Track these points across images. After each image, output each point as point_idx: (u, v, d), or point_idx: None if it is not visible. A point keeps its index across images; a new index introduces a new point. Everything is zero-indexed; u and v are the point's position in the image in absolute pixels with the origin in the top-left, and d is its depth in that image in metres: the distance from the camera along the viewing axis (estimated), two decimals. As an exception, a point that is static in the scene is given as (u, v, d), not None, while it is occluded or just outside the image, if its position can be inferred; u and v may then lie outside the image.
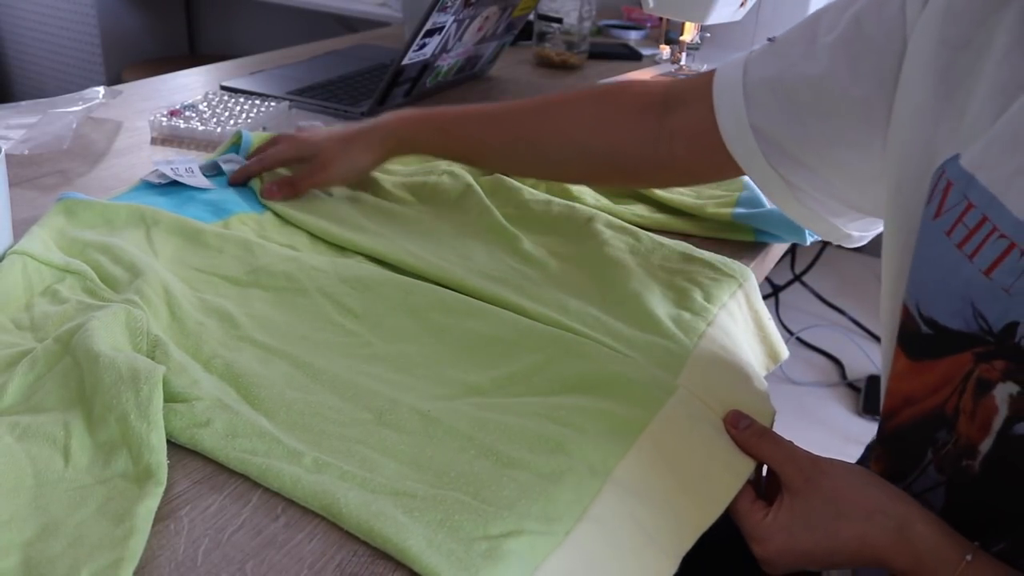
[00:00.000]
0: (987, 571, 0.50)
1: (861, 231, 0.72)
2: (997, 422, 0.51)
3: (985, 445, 0.52)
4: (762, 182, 0.70)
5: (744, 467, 0.57)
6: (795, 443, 0.59)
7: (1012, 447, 0.51)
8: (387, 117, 0.85)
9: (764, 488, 0.59)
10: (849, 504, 0.54)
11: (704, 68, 1.21)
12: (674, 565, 0.50)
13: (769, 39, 0.69)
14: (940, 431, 0.55)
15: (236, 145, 0.93)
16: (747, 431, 0.58)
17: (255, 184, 0.86)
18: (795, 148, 0.67)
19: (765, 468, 0.60)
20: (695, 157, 0.73)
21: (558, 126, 0.78)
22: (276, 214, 0.83)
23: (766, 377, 0.71)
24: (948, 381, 0.54)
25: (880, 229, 0.72)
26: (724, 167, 0.71)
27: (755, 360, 0.70)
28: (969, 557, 0.50)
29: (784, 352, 0.76)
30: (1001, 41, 0.52)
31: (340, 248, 0.77)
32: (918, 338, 0.55)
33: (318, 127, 0.92)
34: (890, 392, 0.58)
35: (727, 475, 0.56)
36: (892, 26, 0.60)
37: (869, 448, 0.66)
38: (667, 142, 0.74)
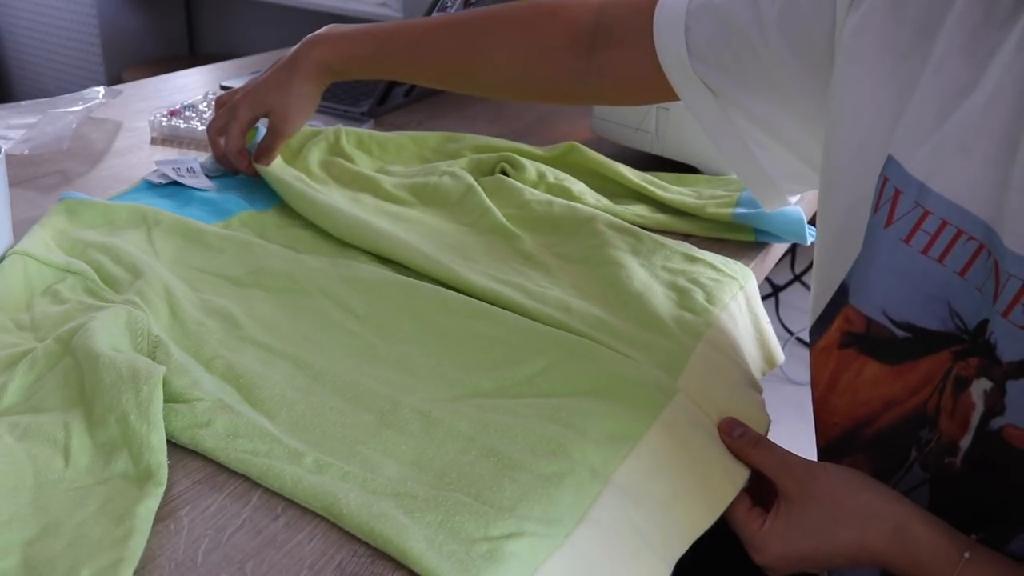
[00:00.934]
0: (986, 566, 0.51)
1: (794, 192, 0.76)
2: (975, 418, 0.52)
3: (965, 441, 0.53)
4: (715, 131, 0.72)
5: (740, 474, 0.57)
6: (794, 445, 0.59)
7: (990, 442, 0.52)
8: (312, 46, 0.83)
9: (760, 495, 0.59)
10: (845, 509, 0.54)
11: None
12: (668, 569, 0.50)
13: None
14: (923, 430, 0.56)
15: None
16: (741, 439, 0.58)
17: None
18: (745, 101, 0.69)
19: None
20: (623, 93, 0.77)
21: (490, 61, 0.79)
22: (279, 213, 0.83)
23: (765, 377, 0.71)
24: (928, 381, 0.55)
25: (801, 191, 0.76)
26: (649, 101, 0.77)
27: (753, 365, 0.70)
28: (967, 554, 0.51)
29: (780, 357, 0.76)
30: (940, 48, 0.53)
31: (342, 248, 0.77)
32: (893, 343, 0.56)
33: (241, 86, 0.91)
34: (862, 400, 0.59)
35: (723, 482, 0.56)
36: (823, 5, 0.61)
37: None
38: (596, 78, 0.76)
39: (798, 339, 2.23)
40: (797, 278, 2.32)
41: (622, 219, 0.85)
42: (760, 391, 0.65)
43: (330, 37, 0.83)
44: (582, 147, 0.96)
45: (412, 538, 0.45)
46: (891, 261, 0.54)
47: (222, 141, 0.88)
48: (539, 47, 0.77)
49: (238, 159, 0.88)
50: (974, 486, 0.54)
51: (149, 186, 0.86)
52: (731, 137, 0.71)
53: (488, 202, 0.85)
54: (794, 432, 0.59)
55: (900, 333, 0.55)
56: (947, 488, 0.55)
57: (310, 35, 0.84)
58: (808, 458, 0.58)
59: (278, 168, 0.92)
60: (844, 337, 0.59)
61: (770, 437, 0.60)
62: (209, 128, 0.89)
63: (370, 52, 0.82)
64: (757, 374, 0.70)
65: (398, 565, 0.45)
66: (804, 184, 0.74)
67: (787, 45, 0.64)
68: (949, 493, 0.55)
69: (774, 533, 0.55)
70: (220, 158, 0.90)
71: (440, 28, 0.81)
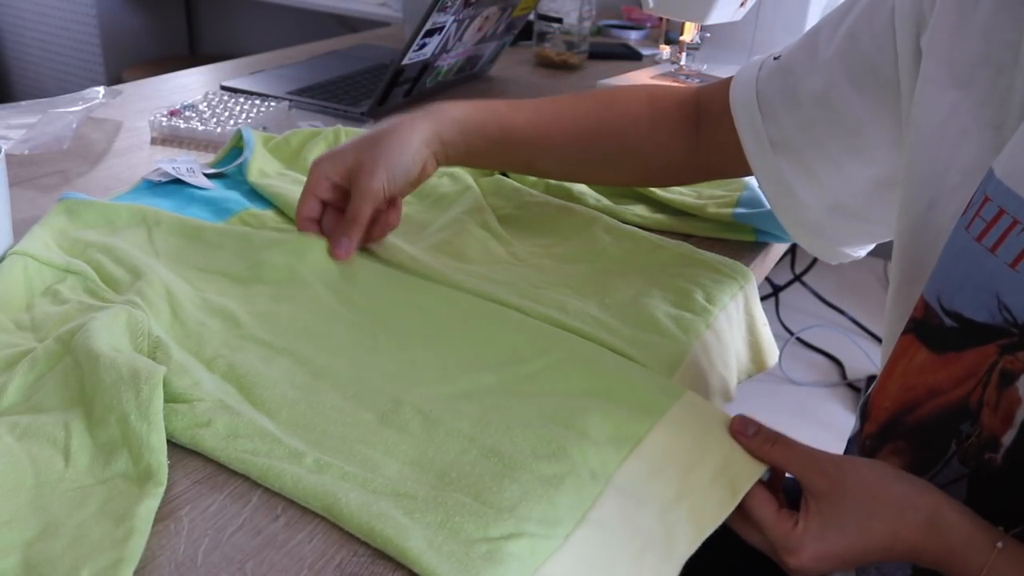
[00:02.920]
0: (1018, 556, 0.51)
1: (853, 250, 0.76)
2: (1020, 414, 0.51)
3: (1008, 437, 0.52)
4: (774, 197, 0.75)
5: (749, 473, 0.56)
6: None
7: None
8: (436, 107, 0.75)
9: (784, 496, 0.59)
10: (878, 502, 0.53)
11: (704, 68, 1.21)
12: (675, 569, 0.50)
13: (775, 57, 0.74)
14: (964, 423, 0.55)
15: (238, 148, 0.93)
16: (757, 437, 0.56)
17: (262, 188, 0.85)
18: (811, 161, 0.71)
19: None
20: (728, 165, 0.78)
21: (616, 129, 0.80)
22: (279, 212, 0.83)
23: (765, 378, 0.71)
24: (973, 373, 0.54)
25: (868, 247, 0.76)
26: (752, 172, 0.77)
27: (740, 367, 0.70)
28: (1000, 544, 0.50)
29: (772, 359, 0.76)
30: None
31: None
32: (941, 331, 0.55)
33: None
34: (909, 386, 0.58)
35: (731, 481, 0.55)
36: (883, 39, 0.64)
37: (853, 443, 0.66)
38: (704, 152, 0.79)
39: (798, 339, 2.23)
40: (797, 278, 2.32)
41: (622, 219, 0.85)
42: (728, 399, 0.66)
43: (453, 103, 0.76)
44: (582, 147, 0.96)
45: (412, 538, 0.45)
46: (950, 246, 0.54)
47: (309, 207, 0.73)
48: (658, 122, 0.79)
49: (307, 202, 0.73)
50: (1014, 483, 0.53)
51: (149, 186, 0.86)
52: (792, 206, 0.74)
53: (484, 202, 0.85)
54: (794, 432, 0.58)
55: (948, 322, 0.55)
56: (986, 484, 0.54)
57: (418, 110, 0.75)
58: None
59: (276, 172, 0.92)
60: (909, 322, 0.58)
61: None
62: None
63: (498, 107, 0.77)
64: (743, 375, 0.70)
65: (398, 565, 0.45)
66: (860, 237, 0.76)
67: (849, 82, 0.67)
68: (988, 489, 0.54)
69: (809, 533, 0.53)
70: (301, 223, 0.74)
71: (565, 99, 0.81)
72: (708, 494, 0.54)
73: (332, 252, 0.71)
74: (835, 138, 0.69)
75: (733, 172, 0.79)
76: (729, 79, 0.77)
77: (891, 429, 0.60)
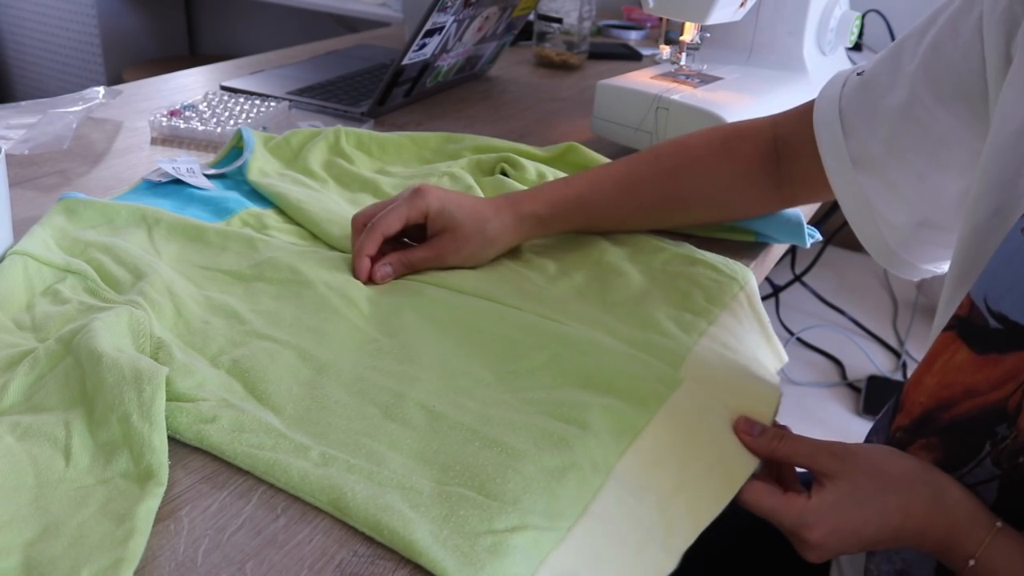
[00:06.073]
0: (1016, 538, 0.52)
1: (937, 266, 0.75)
2: None
3: None
4: (856, 217, 0.73)
5: (746, 465, 0.57)
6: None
7: None
8: (514, 195, 0.78)
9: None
10: (890, 476, 0.54)
11: (704, 68, 1.21)
12: (673, 562, 0.50)
13: (859, 73, 0.73)
14: (1000, 425, 0.55)
15: (238, 148, 0.93)
16: (763, 436, 0.57)
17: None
18: (895, 177, 0.69)
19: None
20: (814, 194, 0.78)
21: (696, 189, 0.80)
22: (279, 212, 0.83)
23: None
24: (1012, 377, 0.54)
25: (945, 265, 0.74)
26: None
27: (764, 359, 0.70)
28: (999, 524, 0.52)
29: (784, 355, 0.76)
30: None
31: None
32: (984, 332, 0.55)
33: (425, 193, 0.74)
34: (946, 383, 0.58)
35: (729, 472, 0.56)
36: (969, 48, 0.63)
37: (876, 434, 0.66)
38: (788, 187, 0.79)
39: (798, 339, 2.23)
40: (797, 278, 2.32)
41: (622, 219, 0.85)
42: (774, 376, 0.65)
43: (532, 195, 0.78)
44: (581, 147, 0.96)
45: (417, 532, 0.45)
46: (1004, 247, 0.54)
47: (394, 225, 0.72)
48: (738, 171, 0.80)
49: (395, 220, 0.72)
50: None
51: (149, 186, 0.86)
52: (875, 227, 0.72)
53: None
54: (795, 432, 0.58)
55: (992, 323, 0.54)
56: (1018, 487, 0.54)
57: (507, 193, 0.78)
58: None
59: (276, 172, 0.92)
60: (952, 319, 0.58)
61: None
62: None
63: (580, 191, 0.79)
64: (772, 368, 0.70)
65: (398, 565, 0.45)
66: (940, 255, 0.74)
67: (933, 94, 0.66)
68: (1019, 492, 0.54)
69: (826, 504, 0.54)
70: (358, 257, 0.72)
71: (638, 163, 0.81)
72: (705, 487, 0.54)
73: (371, 273, 0.71)
74: (919, 152, 0.68)
75: (821, 199, 0.79)
76: (807, 106, 0.76)
77: (924, 424, 0.60)
